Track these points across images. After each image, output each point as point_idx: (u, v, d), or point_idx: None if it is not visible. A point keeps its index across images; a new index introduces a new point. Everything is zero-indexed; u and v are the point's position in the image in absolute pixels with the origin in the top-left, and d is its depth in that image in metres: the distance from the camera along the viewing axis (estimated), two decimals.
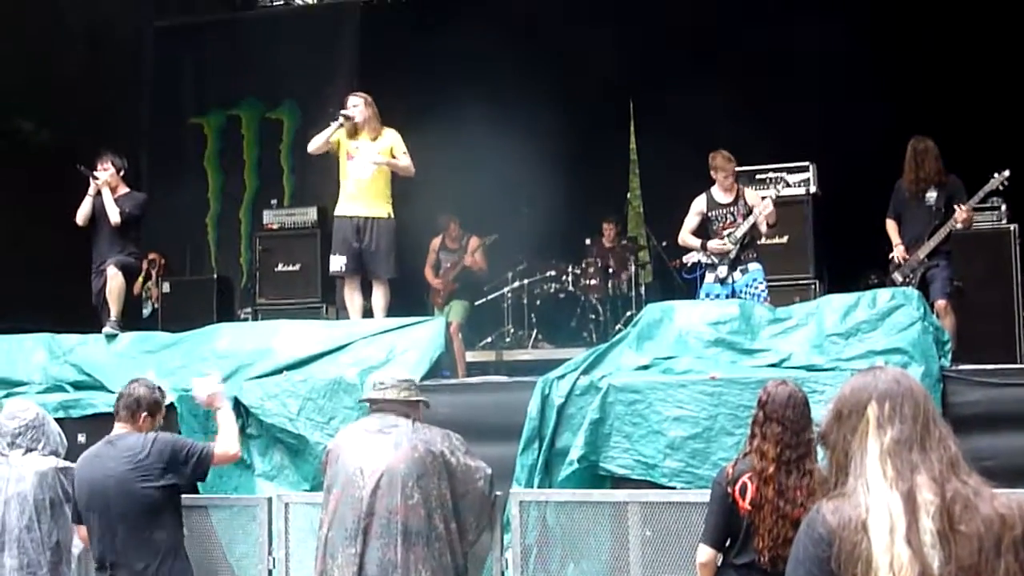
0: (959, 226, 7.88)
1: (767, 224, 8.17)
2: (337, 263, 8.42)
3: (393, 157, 8.35)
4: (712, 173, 8.25)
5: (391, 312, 8.29)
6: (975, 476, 2.43)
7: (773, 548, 4.24)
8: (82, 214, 8.66)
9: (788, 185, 8.51)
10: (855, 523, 2.36)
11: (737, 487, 4.42)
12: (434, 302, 10.59)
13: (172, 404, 6.48)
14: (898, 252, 8.09)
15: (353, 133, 8.39)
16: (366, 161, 8.31)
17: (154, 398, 5.37)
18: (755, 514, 4.34)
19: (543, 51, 12.66)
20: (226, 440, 5.38)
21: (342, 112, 8.38)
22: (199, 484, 5.69)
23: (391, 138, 8.43)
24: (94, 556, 5.18)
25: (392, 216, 8.43)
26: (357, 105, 8.38)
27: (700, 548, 4.54)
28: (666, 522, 5.36)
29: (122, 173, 8.75)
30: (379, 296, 8.37)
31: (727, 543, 4.50)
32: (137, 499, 5.05)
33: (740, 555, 4.43)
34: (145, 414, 5.30)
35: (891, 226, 8.24)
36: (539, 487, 6.10)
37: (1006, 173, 7.87)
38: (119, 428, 5.29)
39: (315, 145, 8.53)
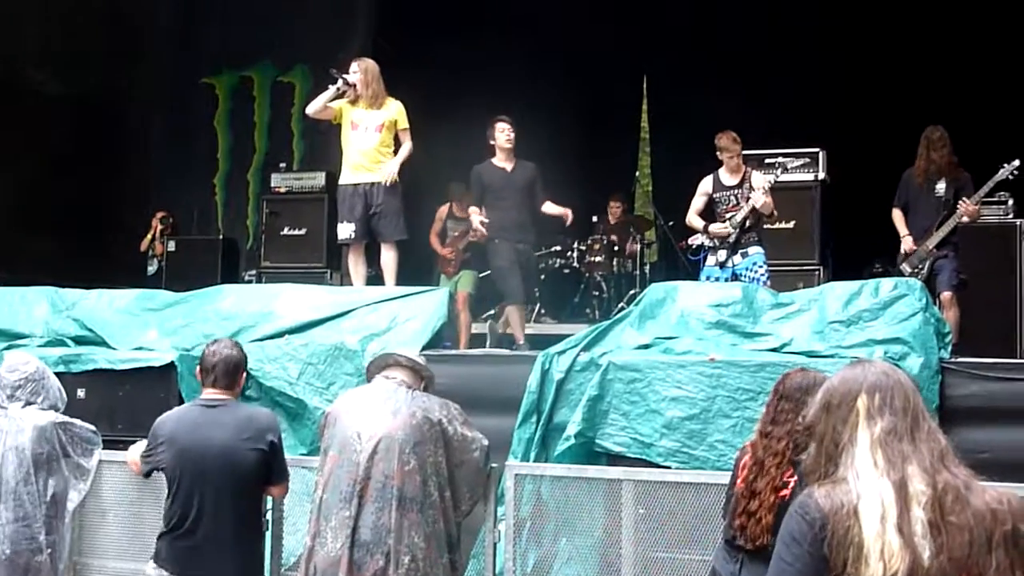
0: (964, 219, 7.89)
1: (763, 214, 8.13)
2: (346, 230, 8.41)
3: (395, 134, 8.36)
4: (718, 154, 8.22)
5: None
6: (964, 469, 2.44)
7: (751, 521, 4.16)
8: None
9: (786, 171, 8.49)
10: (847, 508, 2.37)
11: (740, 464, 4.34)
12: (444, 270, 10.52)
13: (172, 363, 6.50)
14: (906, 243, 8.09)
15: (355, 101, 8.36)
16: (370, 144, 8.31)
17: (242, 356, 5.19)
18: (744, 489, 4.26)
19: (560, 25, 12.60)
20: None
21: (341, 76, 8.32)
22: None
23: (393, 110, 8.38)
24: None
25: (397, 181, 8.41)
26: (356, 72, 8.34)
27: None
28: (660, 501, 5.38)
29: None
30: (389, 259, 8.39)
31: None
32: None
33: (726, 530, 4.35)
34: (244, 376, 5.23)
35: (897, 216, 8.23)
36: (535, 461, 6.11)
37: (1016, 163, 7.85)
38: (216, 393, 5.02)
39: (314, 108, 8.51)
